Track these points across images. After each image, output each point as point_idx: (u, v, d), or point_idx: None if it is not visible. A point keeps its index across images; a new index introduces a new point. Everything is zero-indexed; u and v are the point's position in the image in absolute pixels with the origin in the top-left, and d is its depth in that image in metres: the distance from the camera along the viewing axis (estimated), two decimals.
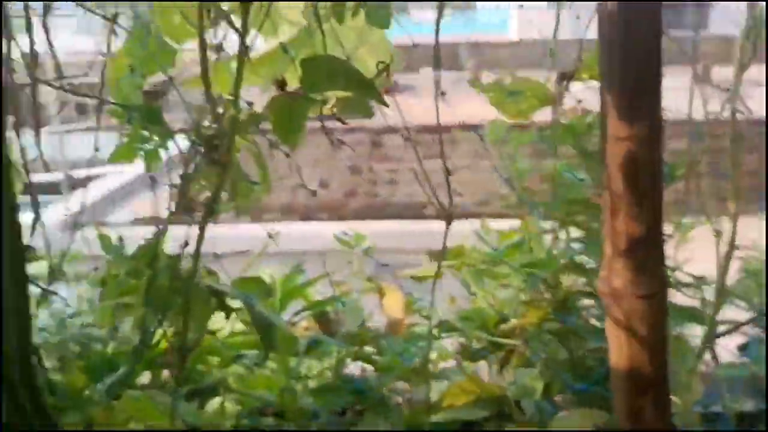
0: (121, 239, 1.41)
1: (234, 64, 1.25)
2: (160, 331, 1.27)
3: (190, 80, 1.36)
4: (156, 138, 1.30)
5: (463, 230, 1.69)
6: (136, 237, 1.33)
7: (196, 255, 1.21)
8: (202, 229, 1.19)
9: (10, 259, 1.05)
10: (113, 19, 1.32)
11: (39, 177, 1.51)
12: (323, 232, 3.33)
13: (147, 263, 1.31)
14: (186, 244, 1.22)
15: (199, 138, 1.25)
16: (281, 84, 1.22)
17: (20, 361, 1.09)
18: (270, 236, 1.43)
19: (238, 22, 1.16)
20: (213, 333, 1.57)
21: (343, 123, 1.27)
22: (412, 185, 8.06)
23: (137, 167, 1.53)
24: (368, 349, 1.68)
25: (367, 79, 1.18)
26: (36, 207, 1.37)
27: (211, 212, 1.22)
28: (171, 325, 1.26)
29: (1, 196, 1.05)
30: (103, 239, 1.45)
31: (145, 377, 1.55)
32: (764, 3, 1.02)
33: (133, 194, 7.64)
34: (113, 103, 1.32)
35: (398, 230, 6.96)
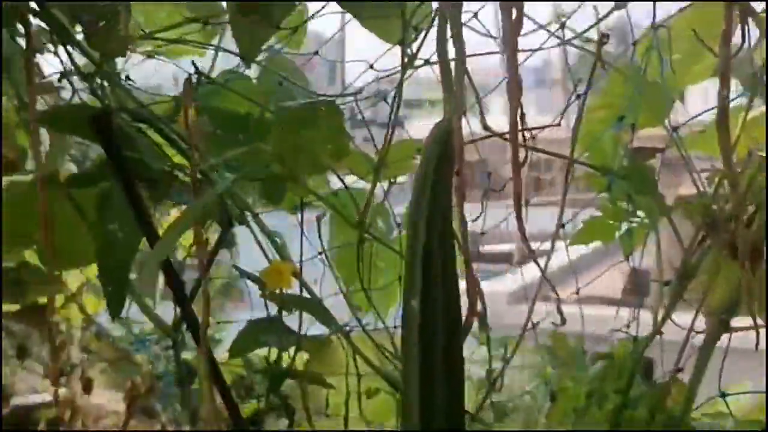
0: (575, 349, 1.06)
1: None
2: None
3: (695, 135, 0.98)
4: (643, 213, 0.93)
5: None
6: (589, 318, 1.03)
7: None
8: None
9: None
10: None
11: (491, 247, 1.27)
12: None
13: (615, 387, 0.93)
14: None
15: (707, 213, 0.86)
16: None
17: None
18: None
19: None
20: None
21: None
22: None
23: None
24: None
25: None
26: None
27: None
28: None
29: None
30: (558, 340, 1.12)
31: None
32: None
33: (588, 268, 7.38)
34: (587, 165, 0.98)
35: None
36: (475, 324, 0.83)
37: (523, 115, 0.81)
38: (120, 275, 1.01)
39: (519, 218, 0.83)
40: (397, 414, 0.99)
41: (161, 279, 1.20)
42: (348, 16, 1.02)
